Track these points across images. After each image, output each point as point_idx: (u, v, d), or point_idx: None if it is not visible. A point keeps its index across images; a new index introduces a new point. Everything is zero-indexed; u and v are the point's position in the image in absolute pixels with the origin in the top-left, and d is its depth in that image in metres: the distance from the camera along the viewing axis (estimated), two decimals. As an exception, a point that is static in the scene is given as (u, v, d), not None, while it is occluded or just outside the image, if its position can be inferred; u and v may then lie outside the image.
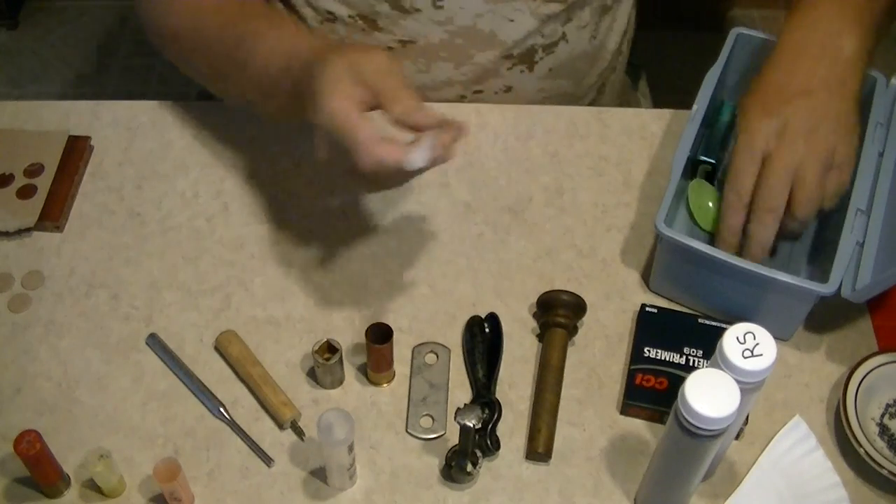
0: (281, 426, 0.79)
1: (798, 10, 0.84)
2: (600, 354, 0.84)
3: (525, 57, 0.99)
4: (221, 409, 0.80)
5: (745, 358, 0.63)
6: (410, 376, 0.82)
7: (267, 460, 0.78)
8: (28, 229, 0.91)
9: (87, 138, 0.97)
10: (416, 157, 0.70)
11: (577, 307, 0.83)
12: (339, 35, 0.97)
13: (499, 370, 0.82)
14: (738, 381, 0.62)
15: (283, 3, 1.00)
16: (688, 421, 0.62)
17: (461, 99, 1.02)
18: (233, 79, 0.87)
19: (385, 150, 0.70)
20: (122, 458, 0.77)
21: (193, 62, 0.92)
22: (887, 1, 0.86)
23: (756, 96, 0.82)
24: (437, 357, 0.83)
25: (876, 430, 0.79)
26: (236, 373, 0.82)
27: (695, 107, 0.88)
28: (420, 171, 0.72)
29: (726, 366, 0.63)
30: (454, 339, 0.85)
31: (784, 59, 0.83)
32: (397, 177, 0.74)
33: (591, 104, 1.10)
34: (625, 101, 1.24)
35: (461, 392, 0.82)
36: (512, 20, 0.95)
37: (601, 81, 1.09)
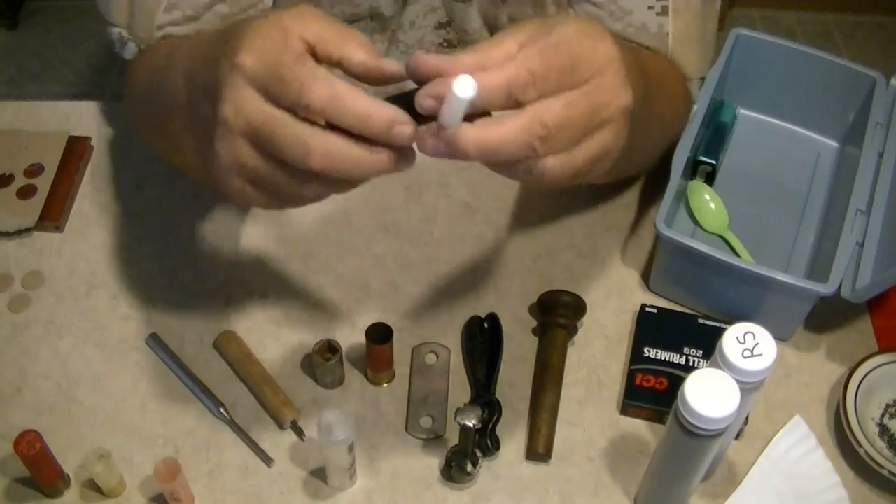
0: (281, 426, 0.79)
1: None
2: (600, 354, 0.84)
3: None
4: (221, 409, 0.80)
5: (745, 358, 0.63)
6: (410, 376, 0.82)
7: (267, 460, 0.77)
8: (28, 229, 0.91)
9: (87, 138, 0.97)
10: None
11: (577, 307, 0.83)
12: None
13: (499, 370, 0.82)
14: (738, 381, 0.62)
15: None
16: (688, 421, 0.62)
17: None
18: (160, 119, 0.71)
19: (357, 95, 0.51)
20: (122, 458, 0.77)
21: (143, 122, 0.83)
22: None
23: None
24: (437, 357, 0.83)
25: (876, 430, 0.79)
26: (236, 373, 0.82)
27: (695, 107, 0.88)
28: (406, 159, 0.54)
29: (726, 366, 0.63)
30: (454, 339, 0.85)
31: None
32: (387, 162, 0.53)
33: None
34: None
35: (461, 392, 0.82)
36: None
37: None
